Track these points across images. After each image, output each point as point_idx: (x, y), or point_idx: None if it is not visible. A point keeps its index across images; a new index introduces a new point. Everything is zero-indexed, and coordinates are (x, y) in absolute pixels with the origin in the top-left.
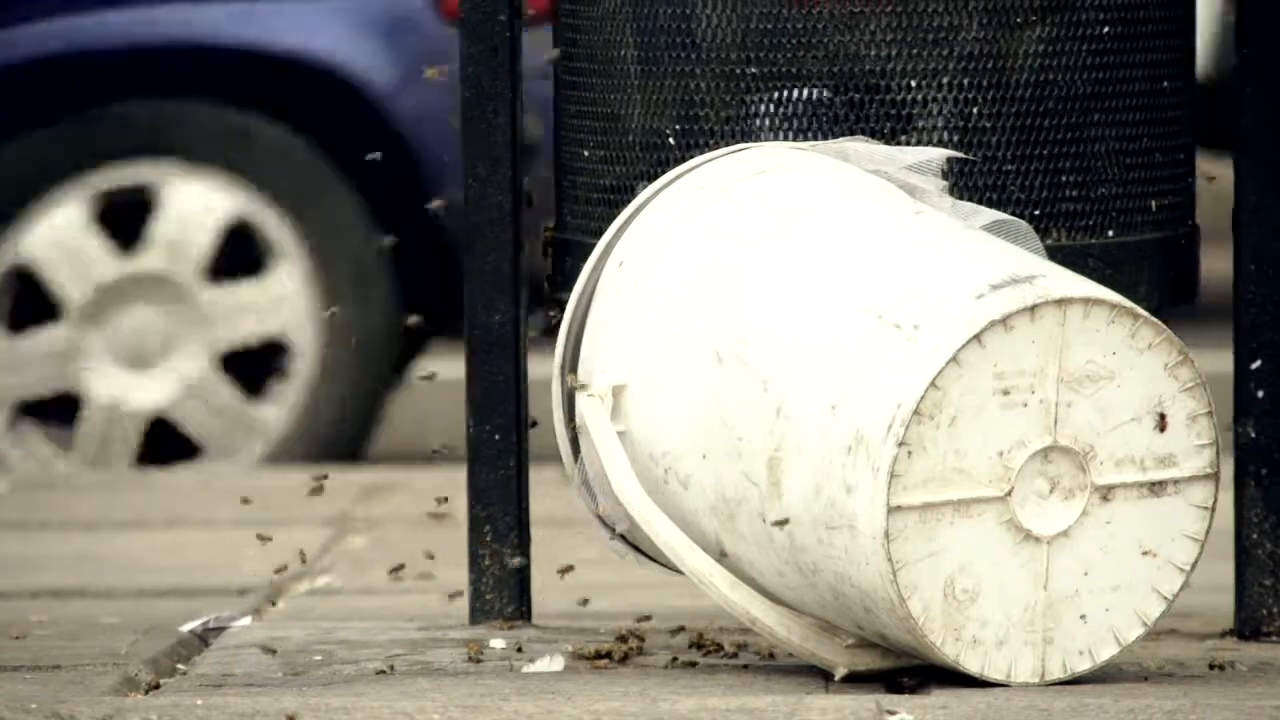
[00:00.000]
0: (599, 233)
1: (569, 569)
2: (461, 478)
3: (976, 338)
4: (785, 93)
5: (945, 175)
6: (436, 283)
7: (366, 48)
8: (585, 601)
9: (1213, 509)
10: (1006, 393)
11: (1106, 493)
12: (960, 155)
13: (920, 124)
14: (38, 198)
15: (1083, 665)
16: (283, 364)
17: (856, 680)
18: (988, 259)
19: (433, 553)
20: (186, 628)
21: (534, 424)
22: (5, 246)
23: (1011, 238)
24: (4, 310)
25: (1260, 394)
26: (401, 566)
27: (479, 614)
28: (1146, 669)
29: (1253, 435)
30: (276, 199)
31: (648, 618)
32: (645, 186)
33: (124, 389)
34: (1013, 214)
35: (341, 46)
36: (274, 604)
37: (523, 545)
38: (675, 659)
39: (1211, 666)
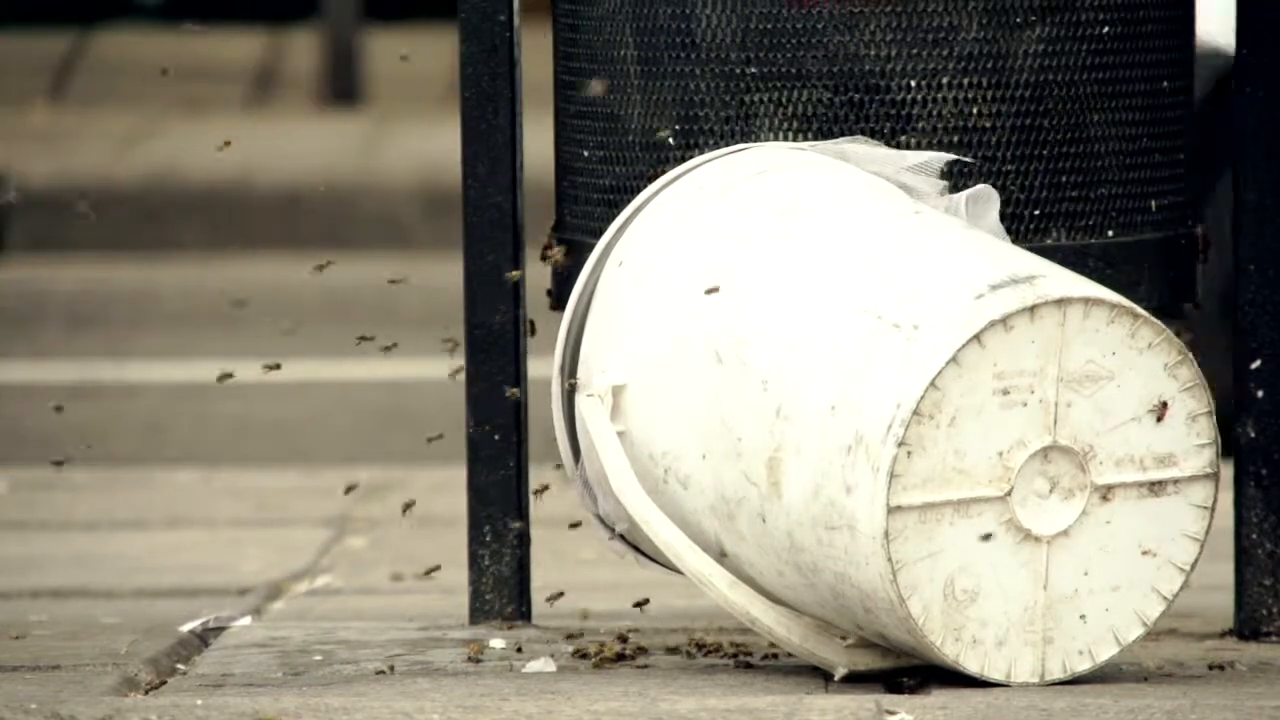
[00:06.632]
0: (599, 233)
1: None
2: (461, 477)
3: (976, 338)
4: (786, 94)
5: (945, 177)
6: None
7: None
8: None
9: (1213, 509)
10: (1006, 393)
11: (1106, 492)
12: (961, 159)
13: (920, 124)
14: None
15: (1082, 665)
16: None
17: (856, 680)
18: (987, 259)
19: (437, 566)
20: (186, 628)
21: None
22: None
23: (982, 206)
24: None
25: (1260, 394)
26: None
27: (479, 614)
28: (1146, 669)
29: (1253, 435)
30: None
31: (645, 601)
32: (646, 186)
33: None
34: (1012, 214)
35: None
36: (274, 604)
37: (523, 545)
38: (675, 659)
39: (1211, 666)
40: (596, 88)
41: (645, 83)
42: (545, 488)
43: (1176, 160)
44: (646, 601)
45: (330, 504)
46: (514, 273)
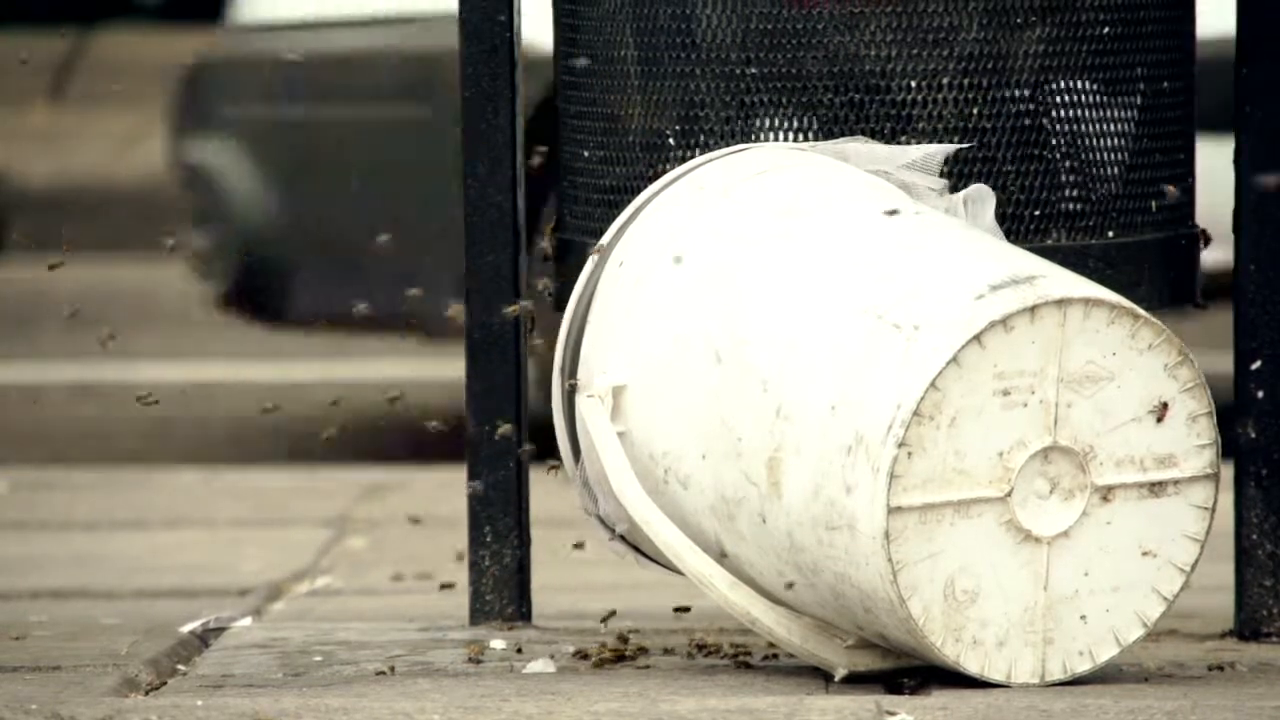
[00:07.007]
0: (599, 233)
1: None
2: (461, 478)
3: (976, 338)
4: (786, 94)
5: (946, 174)
6: None
7: None
8: (612, 613)
9: (1213, 509)
10: (1006, 393)
11: (1106, 493)
12: (961, 146)
13: (920, 124)
14: None
15: (1083, 666)
16: None
17: (856, 681)
18: (987, 259)
19: (452, 584)
20: (186, 628)
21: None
22: None
23: (978, 205)
24: None
25: (1260, 394)
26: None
27: (479, 615)
28: (1147, 670)
29: (1253, 435)
30: None
31: (687, 608)
32: (646, 186)
33: None
34: (1013, 214)
35: None
36: (274, 604)
37: (523, 545)
38: (675, 659)
39: (1212, 667)
40: (580, 62)
41: (645, 83)
42: (559, 465)
43: (1176, 160)
44: (688, 609)
45: (330, 504)
46: (513, 308)
